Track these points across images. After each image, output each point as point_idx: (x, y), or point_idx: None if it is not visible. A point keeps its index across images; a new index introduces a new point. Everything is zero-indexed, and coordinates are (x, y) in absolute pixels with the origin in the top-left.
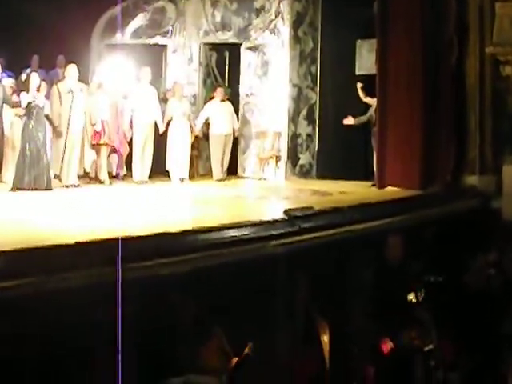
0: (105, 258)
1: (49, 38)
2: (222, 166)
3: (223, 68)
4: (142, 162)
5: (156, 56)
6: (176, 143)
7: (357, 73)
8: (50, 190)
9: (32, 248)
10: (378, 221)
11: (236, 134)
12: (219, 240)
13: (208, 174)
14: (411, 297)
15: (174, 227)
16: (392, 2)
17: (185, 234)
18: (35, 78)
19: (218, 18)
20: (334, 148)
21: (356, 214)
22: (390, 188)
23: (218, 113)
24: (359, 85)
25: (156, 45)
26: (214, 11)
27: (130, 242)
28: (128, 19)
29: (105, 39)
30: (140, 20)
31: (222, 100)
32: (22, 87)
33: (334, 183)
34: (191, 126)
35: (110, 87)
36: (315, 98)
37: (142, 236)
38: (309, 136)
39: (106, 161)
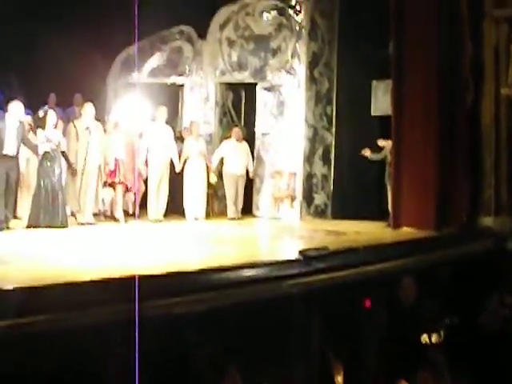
0: (121, 295)
1: (66, 77)
2: (236, 205)
3: (239, 107)
4: (157, 200)
5: (172, 95)
6: (192, 182)
7: (372, 114)
8: (66, 227)
9: (48, 285)
10: (392, 261)
11: (251, 175)
12: (234, 279)
13: (224, 212)
14: (425, 338)
15: (188, 266)
16: (407, 43)
17: (200, 273)
18: (52, 116)
19: (235, 58)
20: (349, 188)
21: (370, 254)
22: (404, 228)
23: (234, 152)
24: (367, 152)
25: (173, 84)
26: (231, 51)
27: (145, 280)
28: (145, 58)
29: (121, 78)
30: (157, 59)
31: (238, 140)
32: (38, 123)
33: (349, 223)
34: (207, 165)
35: (126, 126)
36: (331, 138)
37: (158, 274)
38: (324, 176)
39: (122, 199)
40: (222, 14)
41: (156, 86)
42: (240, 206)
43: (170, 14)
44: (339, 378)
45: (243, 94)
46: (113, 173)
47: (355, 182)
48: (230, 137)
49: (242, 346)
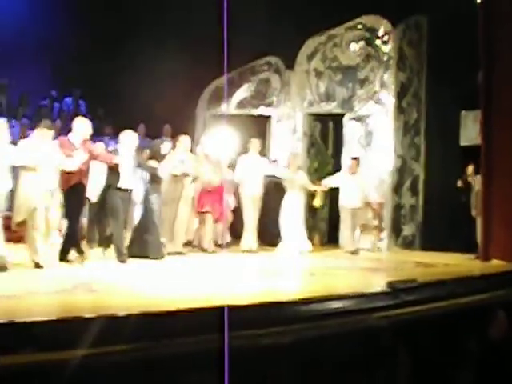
0: (208, 325)
1: (155, 107)
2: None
3: (327, 138)
4: (251, 231)
5: (260, 126)
6: (290, 215)
7: (461, 144)
8: (162, 258)
9: (142, 313)
10: (481, 294)
11: (375, 207)
12: (322, 311)
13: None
14: None
15: (276, 297)
16: (497, 72)
17: (287, 304)
18: (167, 147)
19: (322, 89)
20: (437, 219)
21: (459, 287)
22: (494, 261)
23: (348, 185)
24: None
25: (260, 115)
26: (319, 82)
27: (232, 310)
28: (233, 90)
29: (210, 109)
30: (245, 91)
31: (353, 172)
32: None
33: (438, 255)
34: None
35: (216, 157)
36: (419, 168)
37: (246, 305)
38: (412, 207)
39: (211, 229)
40: (310, 45)
41: (244, 118)
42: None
43: (258, 46)
44: None
45: (331, 124)
46: (201, 202)
47: (444, 213)
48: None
49: (327, 379)
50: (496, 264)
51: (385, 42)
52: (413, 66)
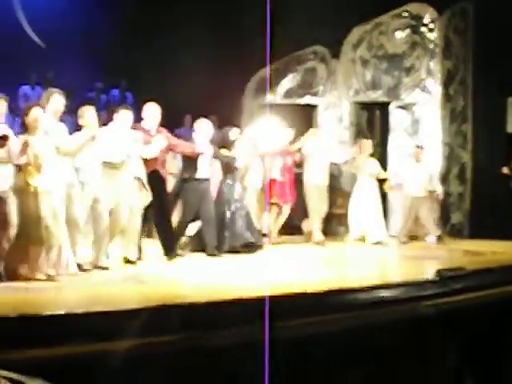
0: (251, 315)
1: (202, 98)
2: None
3: (373, 127)
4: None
5: (306, 115)
6: (363, 203)
7: (508, 131)
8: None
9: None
10: None
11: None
12: (369, 300)
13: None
14: None
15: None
16: None
17: (334, 293)
18: (235, 134)
19: (369, 77)
20: (485, 207)
21: (508, 274)
22: None
23: (413, 173)
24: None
25: (307, 105)
26: (365, 70)
27: (277, 300)
28: (279, 79)
29: (256, 99)
30: (291, 80)
31: (417, 161)
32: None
33: (486, 243)
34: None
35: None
36: (466, 156)
37: (291, 294)
38: (460, 195)
39: (276, 220)
40: (355, 33)
41: (290, 107)
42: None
43: (304, 35)
44: None
45: (377, 113)
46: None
47: (492, 201)
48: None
49: (376, 368)
50: None
51: (431, 30)
52: (459, 54)
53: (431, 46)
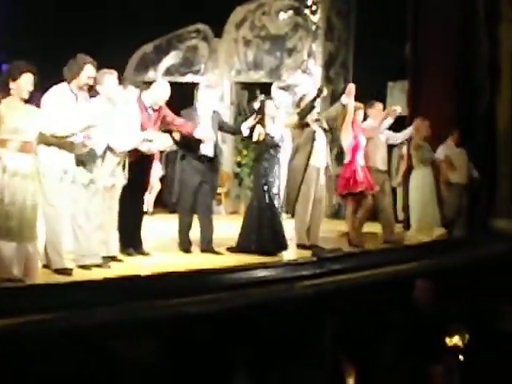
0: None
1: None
2: None
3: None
4: None
5: (187, 93)
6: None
7: None
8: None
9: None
10: (406, 264)
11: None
12: (246, 280)
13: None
14: (449, 340)
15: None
16: (424, 44)
17: (213, 273)
18: (272, 107)
19: (251, 58)
20: None
21: (385, 256)
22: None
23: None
24: None
25: (188, 83)
26: (247, 50)
27: (157, 279)
28: (161, 56)
29: (138, 76)
30: (173, 58)
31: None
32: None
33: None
34: None
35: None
36: None
37: (170, 273)
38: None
39: None
40: (239, 13)
41: (172, 85)
42: None
43: (187, 13)
44: (351, 381)
45: (258, 93)
46: None
47: None
48: None
49: (251, 348)
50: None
51: (313, 12)
52: (341, 37)
53: (313, 28)
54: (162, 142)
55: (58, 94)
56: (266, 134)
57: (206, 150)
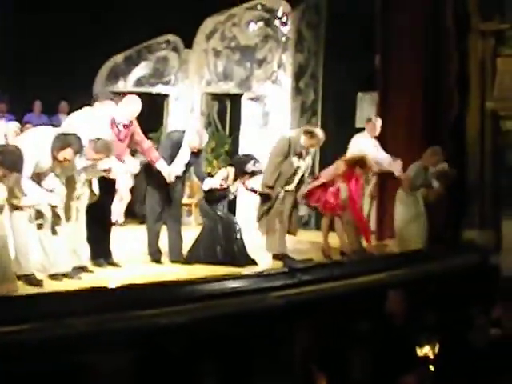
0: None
1: (51, 83)
2: None
3: (224, 118)
4: None
5: (158, 105)
6: None
7: (357, 126)
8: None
9: None
10: (378, 274)
11: None
12: (219, 290)
13: None
14: (420, 350)
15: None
16: (393, 55)
17: (183, 284)
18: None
19: (221, 68)
20: None
21: (356, 266)
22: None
23: None
24: None
25: (158, 94)
26: (217, 61)
27: (128, 290)
28: (131, 67)
29: (108, 86)
30: (143, 69)
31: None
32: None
33: (333, 235)
34: None
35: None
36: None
37: (141, 284)
38: None
39: None
40: (209, 24)
41: (142, 96)
42: None
43: (157, 24)
44: None
45: (228, 104)
46: None
47: None
48: None
49: (223, 358)
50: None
51: (284, 23)
52: (311, 48)
53: (283, 39)
54: (132, 169)
55: None
56: (226, 189)
57: None
